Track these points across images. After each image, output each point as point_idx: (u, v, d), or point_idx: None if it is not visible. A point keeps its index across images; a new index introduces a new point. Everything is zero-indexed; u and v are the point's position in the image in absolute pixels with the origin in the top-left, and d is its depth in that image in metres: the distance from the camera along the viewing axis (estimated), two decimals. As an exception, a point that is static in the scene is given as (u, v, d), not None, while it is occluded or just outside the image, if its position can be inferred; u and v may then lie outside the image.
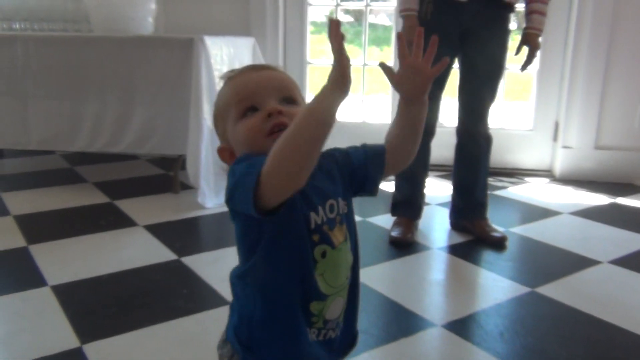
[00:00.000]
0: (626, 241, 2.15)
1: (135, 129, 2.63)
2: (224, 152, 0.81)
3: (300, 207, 0.75)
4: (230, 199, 0.74)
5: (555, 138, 3.08)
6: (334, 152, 0.86)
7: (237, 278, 0.80)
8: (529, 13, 2.01)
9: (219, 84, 0.85)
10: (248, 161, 0.71)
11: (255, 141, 0.75)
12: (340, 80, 0.65)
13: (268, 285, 0.77)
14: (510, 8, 2.01)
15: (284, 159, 0.66)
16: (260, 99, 0.76)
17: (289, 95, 0.77)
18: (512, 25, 2.09)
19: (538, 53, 2.04)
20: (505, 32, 2.04)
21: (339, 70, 0.65)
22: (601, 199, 2.68)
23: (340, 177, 0.83)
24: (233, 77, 0.80)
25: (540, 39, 2.02)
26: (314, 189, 0.77)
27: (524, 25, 2.05)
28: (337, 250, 0.79)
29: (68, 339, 1.42)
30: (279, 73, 0.80)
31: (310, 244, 0.76)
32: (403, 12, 1.98)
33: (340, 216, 0.80)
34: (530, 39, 2.00)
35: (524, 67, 2.06)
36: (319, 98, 0.66)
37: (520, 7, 2.08)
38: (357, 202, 2.67)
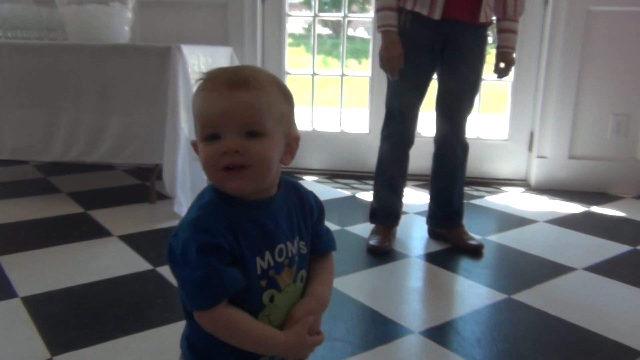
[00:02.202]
0: (600, 248, 2.19)
1: (110, 138, 2.59)
2: (196, 147, 0.79)
3: (247, 255, 0.75)
4: (173, 264, 0.75)
5: (530, 148, 3.13)
6: (312, 199, 0.86)
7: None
8: (500, 31, 2.08)
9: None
10: (200, 247, 0.71)
11: (209, 171, 0.75)
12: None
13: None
14: (486, 24, 2.06)
15: (227, 340, 0.76)
16: (222, 130, 0.73)
17: (253, 129, 0.73)
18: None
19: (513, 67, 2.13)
20: (483, 43, 2.08)
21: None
22: (575, 208, 2.72)
23: (303, 220, 0.84)
24: (207, 89, 0.74)
25: (514, 55, 2.10)
26: (264, 232, 0.77)
27: (496, 42, 2.10)
28: (284, 292, 0.79)
29: (38, 351, 1.38)
30: (250, 96, 0.73)
31: (259, 290, 0.77)
32: (382, 27, 1.99)
33: (290, 259, 0.80)
34: (505, 57, 2.08)
35: (500, 77, 2.13)
36: (275, 346, 0.77)
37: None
38: (335, 211, 2.68)
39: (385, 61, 2.00)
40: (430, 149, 2.21)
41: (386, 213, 2.20)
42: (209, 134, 0.74)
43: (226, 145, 0.73)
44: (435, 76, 2.13)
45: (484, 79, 3.14)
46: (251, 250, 0.75)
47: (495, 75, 2.12)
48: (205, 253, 0.71)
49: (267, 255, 0.77)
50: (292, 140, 0.80)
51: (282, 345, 0.76)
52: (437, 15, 1.95)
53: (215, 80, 0.75)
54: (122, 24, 2.81)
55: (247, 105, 0.73)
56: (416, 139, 2.17)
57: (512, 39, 2.07)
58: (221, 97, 0.73)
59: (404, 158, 2.16)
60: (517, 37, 2.10)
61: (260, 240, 0.76)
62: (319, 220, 0.87)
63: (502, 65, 2.08)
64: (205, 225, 0.73)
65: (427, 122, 2.46)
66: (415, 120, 2.13)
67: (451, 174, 2.19)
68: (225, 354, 0.77)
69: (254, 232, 0.76)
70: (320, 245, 0.87)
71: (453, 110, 2.12)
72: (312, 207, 0.86)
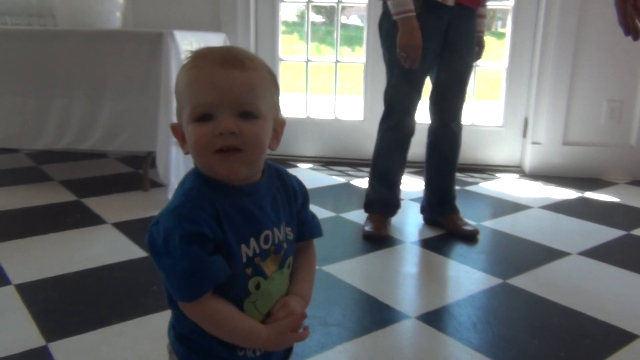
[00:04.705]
0: (594, 233, 2.19)
1: (103, 125, 2.57)
2: (177, 131, 0.76)
3: (232, 243, 0.73)
4: (155, 253, 0.72)
5: (524, 134, 3.13)
6: (295, 184, 0.84)
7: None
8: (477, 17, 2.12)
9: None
10: (185, 240, 0.69)
11: (201, 154, 0.72)
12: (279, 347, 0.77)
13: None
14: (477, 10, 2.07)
15: (210, 331, 0.74)
16: (216, 110, 0.70)
17: (249, 110, 0.71)
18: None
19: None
20: (474, 30, 2.07)
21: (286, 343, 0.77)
22: (569, 194, 2.73)
23: (288, 206, 0.82)
24: (198, 68, 0.71)
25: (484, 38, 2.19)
26: (249, 219, 0.75)
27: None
28: (270, 279, 0.77)
29: (33, 338, 1.37)
30: (246, 76, 0.71)
31: (244, 278, 0.75)
32: (400, 14, 1.86)
33: (276, 245, 0.78)
34: (480, 41, 2.15)
35: (474, 60, 2.18)
36: (256, 341, 0.75)
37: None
38: (330, 198, 2.67)
39: (409, 50, 1.87)
40: (426, 135, 2.20)
41: (384, 204, 2.18)
42: (200, 114, 0.70)
43: (222, 126, 0.69)
44: None
45: (478, 66, 3.16)
46: (236, 237, 0.73)
47: (485, 57, 2.20)
48: (189, 242, 0.69)
49: (252, 242, 0.75)
50: (278, 125, 0.78)
51: (264, 341, 0.75)
52: (450, 1, 1.93)
53: (207, 58, 0.71)
54: (114, 10, 2.77)
55: (244, 85, 0.70)
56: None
57: (483, 23, 2.16)
58: (215, 75, 0.70)
59: (405, 150, 2.14)
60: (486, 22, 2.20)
61: (244, 227, 0.74)
62: (303, 206, 0.85)
63: (476, 49, 2.14)
64: (189, 213, 0.70)
65: (423, 109, 2.45)
66: (416, 110, 2.11)
67: (448, 162, 2.18)
68: (212, 343, 0.75)
69: (239, 218, 0.73)
70: (306, 232, 0.85)
71: (451, 100, 2.10)
72: (296, 192, 0.84)
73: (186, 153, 0.75)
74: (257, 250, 0.75)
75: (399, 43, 1.90)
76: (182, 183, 0.76)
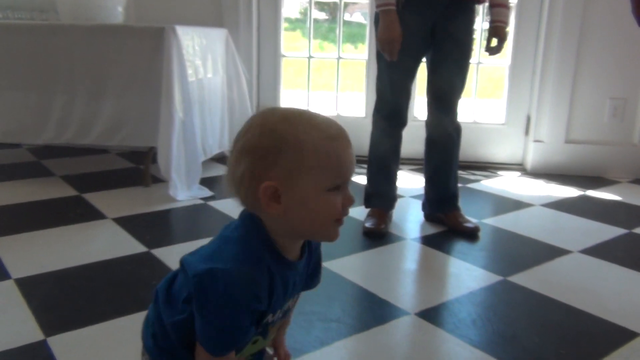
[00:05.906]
0: (595, 231, 2.19)
1: (104, 120, 2.57)
2: (268, 190, 0.72)
3: (268, 312, 0.78)
4: (203, 302, 0.72)
5: (527, 132, 3.12)
6: (319, 258, 0.90)
7: (171, 325, 0.79)
8: (493, 6, 2.04)
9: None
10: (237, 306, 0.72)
11: (326, 221, 0.75)
12: None
13: (191, 340, 0.77)
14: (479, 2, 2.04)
15: None
16: (345, 182, 0.76)
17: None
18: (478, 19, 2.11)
19: (506, 44, 2.07)
20: (471, 24, 2.06)
21: None
22: (571, 192, 2.72)
23: (304, 278, 0.86)
24: (338, 139, 0.75)
25: (506, 30, 2.05)
26: (285, 291, 0.79)
27: (489, 17, 2.07)
28: (266, 340, 0.84)
29: (31, 332, 1.37)
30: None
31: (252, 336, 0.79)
32: (381, 7, 1.92)
33: (284, 312, 0.83)
34: (498, 32, 2.02)
35: (492, 54, 2.07)
36: None
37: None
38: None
39: (385, 43, 1.93)
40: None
41: (381, 197, 2.19)
42: (337, 184, 0.74)
43: (352, 198, 0.76)
44: (424, 59, 2.11)
45: (481, 63, 3.15)
46: (273, 307, 0.78)
47: (487, 53, 2.07)
48: (246, 314, 0.73)
49: (278, 312, 0.80)
50: None
51: None
52: None
53: (340, 131, 0.76)
54: (116, 5, 2.77)
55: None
56: (413, 123, 2.16)
57: (504, 13, 2.03)
58: (349, 150, 0.75)
59: (397, 140, 2.15)
60: (509, 12, 2.06)
61: (280, 300, 0.79)
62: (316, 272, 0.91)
63: (494, 41, 2.03)
64: (258, 291, 0.73)
65: (423, 105, 2.44)
66: (407, 101, 2.11)
67: (446, 158, 2.18)
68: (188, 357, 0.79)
69: (280, 292, 0.78)
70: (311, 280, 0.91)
71: (445, 95, 2.10)
72: (316, 265, 0.89)
73: (278, 216, 0.74)
74: (277, 319, 0.81)
75: (378, 35, 1.95)
76: (247, 237, 0.76)
